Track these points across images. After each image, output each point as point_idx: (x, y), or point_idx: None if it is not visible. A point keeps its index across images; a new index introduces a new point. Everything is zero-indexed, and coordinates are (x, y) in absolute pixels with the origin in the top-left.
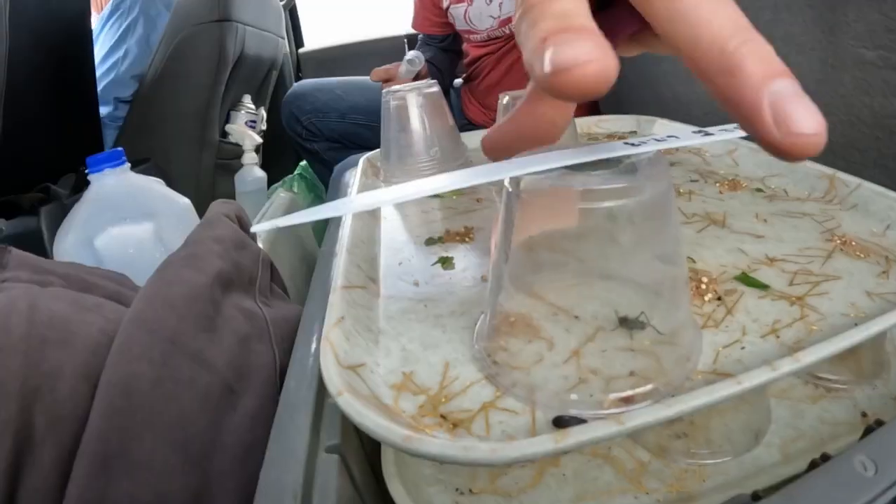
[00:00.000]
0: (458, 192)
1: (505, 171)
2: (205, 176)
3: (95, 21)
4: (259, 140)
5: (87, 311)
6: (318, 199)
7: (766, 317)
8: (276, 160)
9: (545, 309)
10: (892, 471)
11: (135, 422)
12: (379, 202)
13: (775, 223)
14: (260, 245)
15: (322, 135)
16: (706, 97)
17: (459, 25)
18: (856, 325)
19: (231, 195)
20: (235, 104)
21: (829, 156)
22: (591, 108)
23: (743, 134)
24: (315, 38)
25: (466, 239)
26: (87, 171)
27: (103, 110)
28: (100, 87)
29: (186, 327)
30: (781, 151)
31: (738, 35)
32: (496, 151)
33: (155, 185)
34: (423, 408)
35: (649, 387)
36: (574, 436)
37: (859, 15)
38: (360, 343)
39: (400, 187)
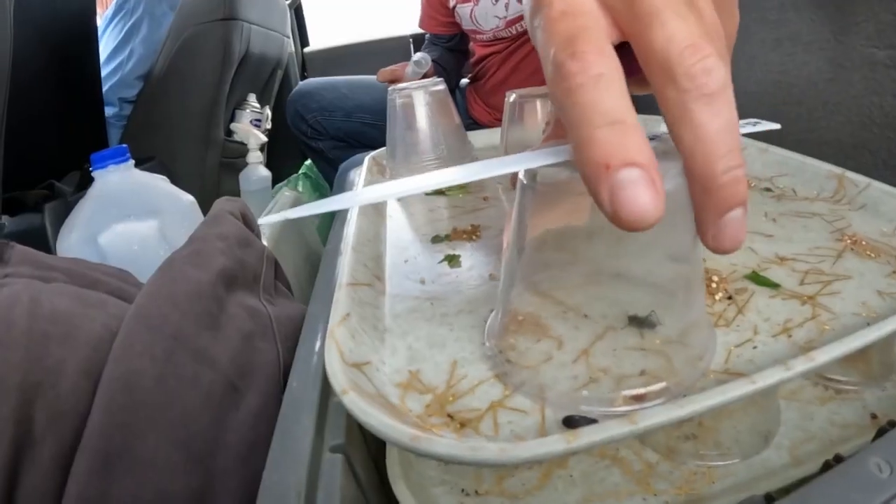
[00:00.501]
0: (465, 190)
1: (516, 165)
2: (209, 174)
3: (100, 20)
4: (264, 139)
5: (90, 306)
6: (323, 198)
7: (777, 316)
8: (280, 159)
9: (554, 307)
10: None
11: (137, 419)
12: (386, 195)
13: (785, 223)
14: (264, 243)
15: (327, 133)
16: None
17: (465, 25)
18: (868, 324)
19: (236, 194)
20: (240, 103)
21: (839, 156)
22: None
23: (761, 128)
24: (320, 37)
25: (473, 237)
26: (91, 168)
27: (108, 110)
28: (105, 88)
29: (189, 324)
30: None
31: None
32: None
33: (159, 182)
34: (430, 407)
35: (661, 385)
36: (586, 436)
37: (869, 15)
38: (365, 341)
39: (407, 180)
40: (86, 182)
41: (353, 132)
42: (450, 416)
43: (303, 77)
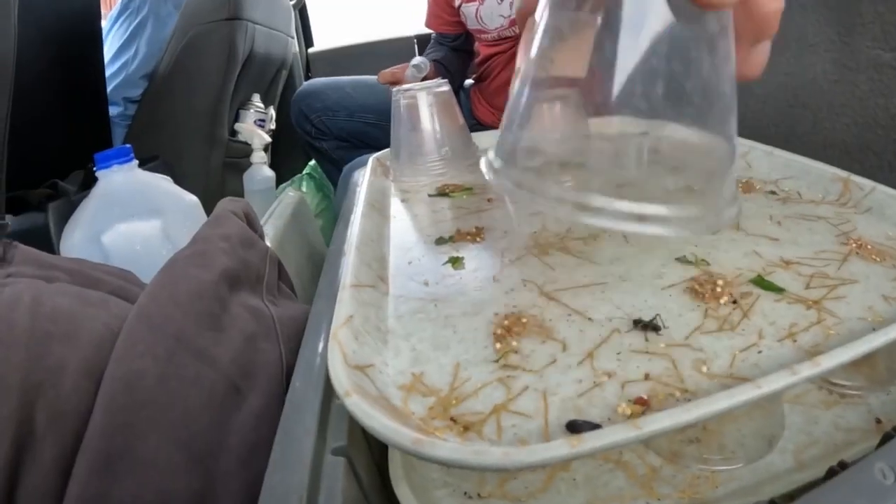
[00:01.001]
0: (470, 192)
1: None
2: (214, 174)
3: (104, 21)
4: (268, 139)
5: (92, 306)
6: (327, 199)
7: (782, 320)
8: (285, 160)
9: (559, 310)
10: None
11: (138, 419)
12: None
13: (790, 226)
14: (267, 243)
15: (331, 133)
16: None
17: (471, 24)
18: (874, 329)
19: (240, 194)
20: (245, 103)
21: (845, 158)
22: None
23: None
24: (325, 38)
25: (477, 239)
26: (95, 167)
27: (113, 110)
28: (109, 87)
29: (192, 325)
30: None
31: None
32: None
33: (163, 182)
34: (433, 410)
35: (665, 390)
36: (590, 441)
37: (875, 16)
38: (368, 343)
39: None
40: (89, 181)
41: (356, 132)
42: (453, 419)
43: (307, 77)
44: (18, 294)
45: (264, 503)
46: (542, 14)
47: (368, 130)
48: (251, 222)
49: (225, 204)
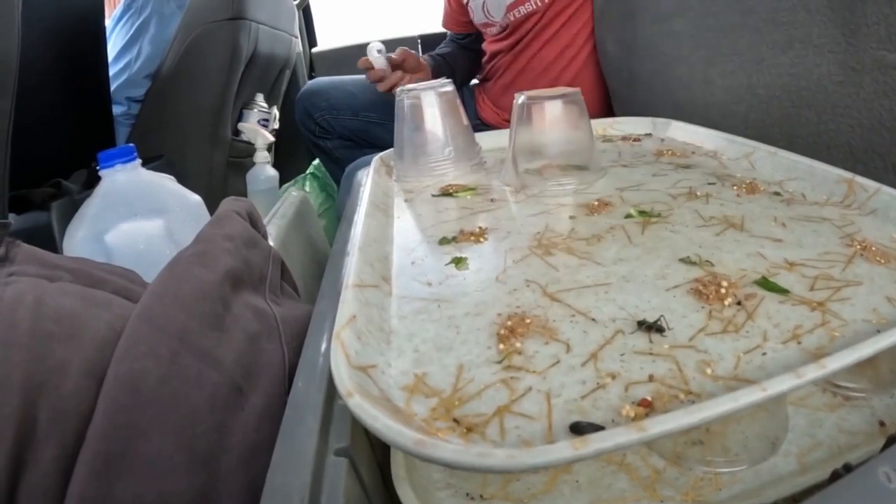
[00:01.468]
0: (473, 192)
1: None
2: (217, 174)
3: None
4: (271, 139)
5: (95, 306)
6: (330, 198)
7: (787, 322)
8: (288, 159)
9: (562, 311)
10: None
11: (140, 419)
12: None
13: (794, 227)
14: (271, 243)
15: (335, 132)
16: (723, 100)
17: (478, 19)
18: (878, 331)
19: (243, 193)
20: (248, 103)
21: (850, 160)
22: (605, 110)
23: None
24: (328, 37)
25: (481, 239)
26: (98, 166)
27: (116, 109)
28: (112, 87)
29: (195, 325)
30: None
31: None
32: None
33: (166, 181)
34: (436, 411)
35: (670, 392)
36: (594, 443)
37: (880, 17)
38: (371, 343)
39: None
40: (93, 181)
41: (360, 131)
42: (456, 420)
43: (310, 77)
44: (21, 294)
45: (267, 503)
46: None
47: (372, 129)
48: (254, 222)
49: (228, 203)
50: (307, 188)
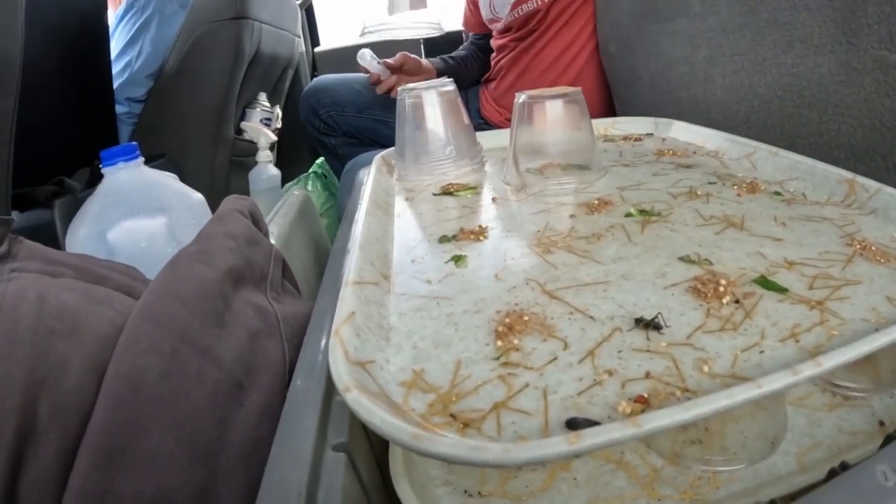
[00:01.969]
0: (473, 191)
1: None
2: (219, 173)
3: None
4: (274, 138)
5: (97, 302)
6: (333, 197)
7: (785, 321)
8: (291, 158)
9: (560, 308)
10: None
11: (141, 415)
12: None
13: (794, 227)
14: (272, 241)
15: (339, 129)
16: (724, 99)
17: (486, 16)
18: (877, 330)
19: (245, 192)
20: (251, 102)
21: (850, 160)
22: (607, 109)
23: None
24: (331, 37)
25: (481, 237)
26: (101, 164)
27: (119, 108)
28: (115, 85)
29: (196, 322)
30: None
31: None
32: None
33: (168, 179)
34: (433, 406)
35: (666, 389)
36: (589, 438)
37: (881, 17)
38: (370, 339)
39: None
40: (95, 179)
41: (364, 129)
42: (453, 415)
43: (313, 77)
44: (24, 290)
45: (264, 499)
46: None
47: (377, 127)
48: (256, 220)
49: (230, 202)
50: (310, 187)
